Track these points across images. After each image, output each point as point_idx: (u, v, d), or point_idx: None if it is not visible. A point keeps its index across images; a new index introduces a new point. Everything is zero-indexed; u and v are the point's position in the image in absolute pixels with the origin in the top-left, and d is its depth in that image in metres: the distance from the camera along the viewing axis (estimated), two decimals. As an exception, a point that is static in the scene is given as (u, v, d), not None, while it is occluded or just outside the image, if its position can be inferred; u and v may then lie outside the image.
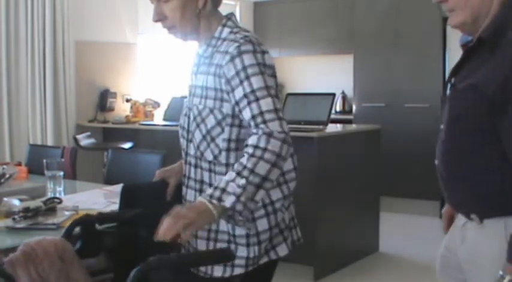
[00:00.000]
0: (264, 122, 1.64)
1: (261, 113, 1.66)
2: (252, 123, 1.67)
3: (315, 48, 7.50)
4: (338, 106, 7.34)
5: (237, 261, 1.78)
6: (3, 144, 5.27)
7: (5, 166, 3.11)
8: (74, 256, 1.29)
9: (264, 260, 1.81)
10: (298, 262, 4.27)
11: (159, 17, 1.82)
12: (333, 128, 4.64)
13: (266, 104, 1.66)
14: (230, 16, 1.86)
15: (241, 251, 1.78)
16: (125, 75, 6.26)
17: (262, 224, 1.78)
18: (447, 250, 1.73)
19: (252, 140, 1.64)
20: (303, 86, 7.71)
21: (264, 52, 1.73)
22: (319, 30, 7.36)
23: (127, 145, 5.37)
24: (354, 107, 6.76)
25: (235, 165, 1.63)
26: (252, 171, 1.59)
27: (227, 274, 1.79)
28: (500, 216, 1.52)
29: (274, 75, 1.74)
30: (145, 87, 6.40)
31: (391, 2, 6.17)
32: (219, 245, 1.79)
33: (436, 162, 1.67)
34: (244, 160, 1.62)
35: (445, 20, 5.49)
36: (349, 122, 6.52)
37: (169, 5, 1.79)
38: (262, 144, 1.62)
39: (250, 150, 1.62)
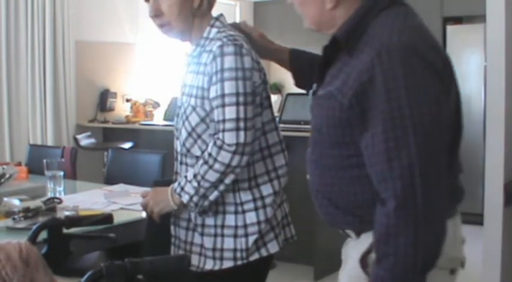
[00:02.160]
0: (223, 130, 1.74)
1: (223, 121, 1.75)
2: (216, 127, 1.77)
3: (315, 48, 7.49)
4: (338, 106, 7.33)
5: (225, 254, 1.82)
6: (3, 144, 5.27)
7: (5, 166, 3.11)
8: (39, 260, 1.28)
9: (255, 256, 1.83)
10: (298, 262, 4.27)
11: (156, 13, 1.85)
12: (333, 128, 4.63)
13: (230, 112, 1.73)
14: (218, 17, 1.90)
15: (228, 243, 1.82)
16: (124, 75, 6.26)
17: (251, 217, 1.82)
18: None
19: (209, 147, 1.77)
20: (303, 86, 7.69)
21: (244, 55, 1.76)
22: (319, 30, 7.35)
23: (127, 145, 5.37)
24: (354, 107, 6.75)
25: (195, 167, 1.80)
26: (203, 177, 1.77)
27: (217, 267, 1.82)
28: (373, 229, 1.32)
29: (251, 78, 1.77)
30: (145, 87, 6.40)
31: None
32: (206, 238, 1.85)
33: (308, 177, 1.50)
34: (199, 165, 1.78)
35: (445, 20, 5.49)
36: (349, 122, 6.51)
37: (167, 1, 1.82)
38: (213, 154, 1.75)
39: (205, 156, 1.77)
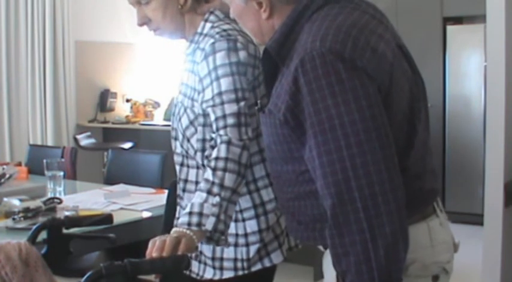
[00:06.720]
0: (225, 127, 1.60)
1: (224, 117, 1.61)
2: (214, 126, 1.63)
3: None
4: (338, 106, 7.33)
5: (225, 264, 1.74)
6: (3, 144, 5.27)
7: (5, 166, 3.11)
8: (39, 260, 1.28)
9: (257, 267, 1.74)
10: (298, 262, 4.27)
11: (143, 21, 1.79)
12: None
13: (230, 108, 1.62)
14: (213, 10, 1.80)
15: (229, 252, 1.73)
16: (125, 75, 6.26)
17: (251, 226, 1.72)
18: None
19: (214, 151, 1.58)
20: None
21: (239, 49, 1.67)
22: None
23: (127, 145, 5.37)
24: (354, 107, 6.75)
25: (202, 184, 1.55)
26: (221, 186, 1.53)
27: (216, 277, 1.75)
28: None
29: (245, 73, 1.68)
30: (145, 87, 6.40)
31: (390, 2, 6.17)
32: (205, 246, 1.75)
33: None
34: (209, 176, 1.54)
35: (445, 20, 5.48)
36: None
37: (150, 6, 1.76)
38: (222, 154, 1.55)
39: (212, 163, 1.55)
